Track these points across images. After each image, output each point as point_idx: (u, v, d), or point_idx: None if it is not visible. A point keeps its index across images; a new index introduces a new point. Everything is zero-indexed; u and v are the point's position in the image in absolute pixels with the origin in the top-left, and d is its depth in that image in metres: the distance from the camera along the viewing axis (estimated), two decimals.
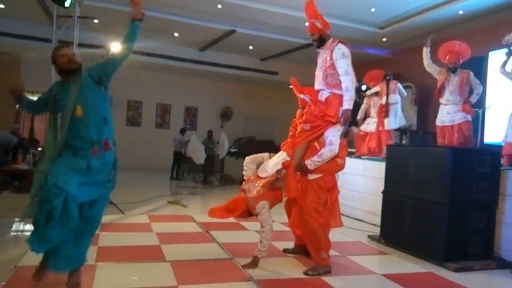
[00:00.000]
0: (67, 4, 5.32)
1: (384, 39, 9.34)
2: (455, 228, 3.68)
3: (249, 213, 3.20)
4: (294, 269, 3.31)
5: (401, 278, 3.25)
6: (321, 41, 3.40)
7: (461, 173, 3.75)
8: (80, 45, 8.52)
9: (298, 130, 3.53)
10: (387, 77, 6.48)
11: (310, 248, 3.38)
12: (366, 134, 6.61)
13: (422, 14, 7.61)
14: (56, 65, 2.65)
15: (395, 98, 6.36)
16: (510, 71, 4.77)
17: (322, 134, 3.33)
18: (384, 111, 6.30)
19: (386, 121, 6.30)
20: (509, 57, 4.76)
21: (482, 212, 3.81)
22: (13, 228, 4.50)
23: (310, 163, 3.30)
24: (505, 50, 4.83)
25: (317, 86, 3.43)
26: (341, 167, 3.47)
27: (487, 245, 3.85)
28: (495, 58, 6.33)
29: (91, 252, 2.96)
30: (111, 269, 3.05)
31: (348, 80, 3.23)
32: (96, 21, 8.90)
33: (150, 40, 9.37)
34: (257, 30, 9.31)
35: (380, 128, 6.37)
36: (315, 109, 3.39)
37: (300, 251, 3.70)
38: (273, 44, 10.16)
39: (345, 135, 3.45)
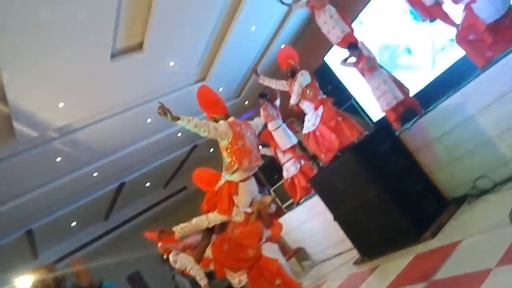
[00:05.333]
0: None
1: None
2: (405, 203, 3.76)
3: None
4: None
5: (399, 279, 3.22)
6: None
7: (373, 160, 3.90)
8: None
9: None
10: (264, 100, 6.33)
11: None
12: (292, 178, 6.41)
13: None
14: None
15: (274, 123, 6.30)
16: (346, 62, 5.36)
17: None
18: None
19: (280, 142, 6.29)
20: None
21: (412, 176, 3.93)
22: None
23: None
24: None
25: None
26: (254, 258, 3.07)
27: (437, 197, 3.95)
28: (332, 57, 7.17)
29: None
30: None
31: None
32: None
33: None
34: (141, 166, 9.26)
35: (299, 166, 6.29)
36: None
37: None
38: (166, 165, 10.11)
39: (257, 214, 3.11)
